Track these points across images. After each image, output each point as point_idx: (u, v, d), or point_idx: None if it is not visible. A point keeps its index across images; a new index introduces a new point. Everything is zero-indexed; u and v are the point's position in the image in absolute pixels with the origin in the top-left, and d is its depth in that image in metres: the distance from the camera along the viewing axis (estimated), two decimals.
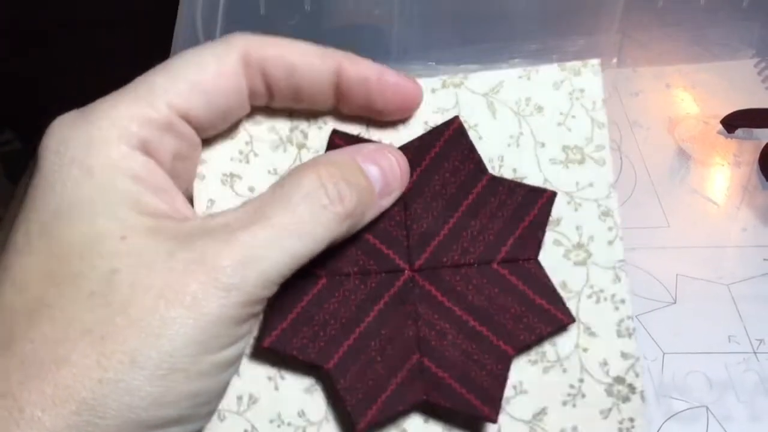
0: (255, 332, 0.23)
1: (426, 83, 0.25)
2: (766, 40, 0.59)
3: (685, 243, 0.46)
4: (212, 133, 0.24)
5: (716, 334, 0.41)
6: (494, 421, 0.22)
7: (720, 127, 0.53)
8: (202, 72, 0.22)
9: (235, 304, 0.20)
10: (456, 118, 0.25)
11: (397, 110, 0.24)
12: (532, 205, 0.24)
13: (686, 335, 0.41)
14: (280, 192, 0.21)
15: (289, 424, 0.23)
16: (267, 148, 0.25)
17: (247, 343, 0.21)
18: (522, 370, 0.23)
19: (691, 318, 0.42)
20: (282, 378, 0.24)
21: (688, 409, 0.38)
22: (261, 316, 0.23)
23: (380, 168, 0.23)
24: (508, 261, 0.24)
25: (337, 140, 0.25)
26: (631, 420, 0.23)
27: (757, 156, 0.50)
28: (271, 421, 0.23)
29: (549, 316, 0.23)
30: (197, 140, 0.23)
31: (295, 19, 0.55)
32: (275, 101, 0.24)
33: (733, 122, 0.52)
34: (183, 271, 0.19)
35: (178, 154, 0.23)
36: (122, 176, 0.20)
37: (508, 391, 0.23)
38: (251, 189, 0.25)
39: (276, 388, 0.24)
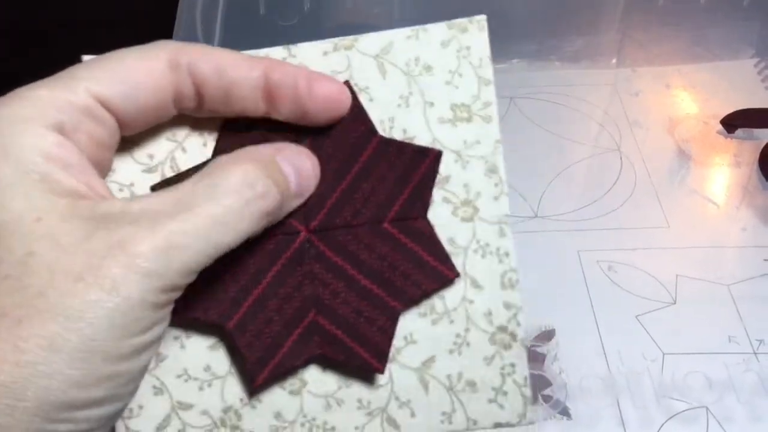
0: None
1: (318, 46, 0.25)
2: (765, 40, 0.59)
3: (684, 243, 0.47)
4: (134, 130, 0.24)
5: (716, 334, 0.41)
6: (382, 372, 0.24)
7: (720, 127, 0.53)
8: (124, 65, 0.22)
9: (155, 290, 0.20)
10: (346, 82, 0.25)
11: (325, 112, 0.24)
12: (419, 165, 0.24)
13: (686, 335, 0.41)
14: (208, 182, 0.21)
15: (195, 378, 0.24)
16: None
17: (166, 325, 0.22)
18: (412, 322, 0.24)
19: (691, 318, 0.42)
20: (188, 337, 0.25)
21: (688, 409, 0.38)
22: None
23: (296, 170, 0.24)
24: (397, 220, 0.24)
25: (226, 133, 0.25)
26: (512, 366, 0.24)
27: (757, 156, 0.50)
28: (178, 376, 0.24)
29: (435, 273, 0.24)
30: (117, 129, 0.23)
31: (295, 18, 0.55)
32: (204, 106, 0.24)
33: (732, 122, 0.52)
34: (103, 255, 0.19)
35: (98, 142, 0.23)
36: (37, 156, 0.20)
37: (399, 342, 0.24)
38: (150, 156, 0.25)
39: (182, 347, 0.25)
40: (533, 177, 0.51)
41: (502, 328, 0.24)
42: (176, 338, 0.25)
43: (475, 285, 0.25)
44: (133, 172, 0.25)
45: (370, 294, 0.24)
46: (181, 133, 0.25)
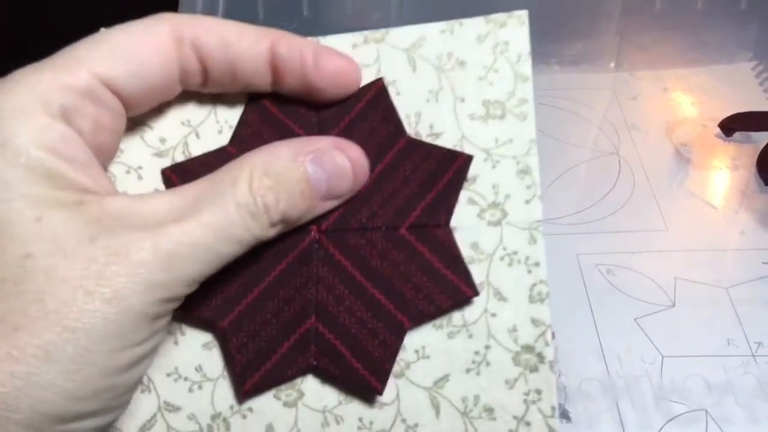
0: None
1: (347, 38, 0.24)
2: (763, 43, 0.59)
3: (683, 246, 0.47)
4: (139, 110, 0.23)
5: (715, 337, 0.41)
6: (380, 393, 0.22)
7: (718, 130, 0.53)
8: (128, 42, 0.21)
9: (156, 301, 0.19)
10: (380, 80, 0.24)
11: (333, 86, 0.23)
12: (446, 169, 0.23)
13: (685, 338, 0.41)
14: (216, 189, 0.20)
15: (186, 378, 0.23)
16: (180, 97, 0.24)
17: (163, 335, 0.21)
18: (426, 335, 0.22)
19: (689, 321, 0.42)
20: (182, 333, 0.23)
21: (687, 412, 0.38)
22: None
23: (325, 171, 0.22)
24: (416, 226, 0.23)
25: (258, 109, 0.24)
26: (538, 392, 0.22)
27: (755, 159, 0.50)
28: (168, 375, 0.23)
29: (452, 288, 0.22)
30: (122, 111, 0.22)
31: (294, 24, 0.56)
32: (210, 82, 0.23)
33: (730, 125, 0.52)
34: (104, 262, 0.18)
35: (103, 126, 0.21)
36: (39, 149, 0.19)
37: (409, 355, 0.22)
38: (162, 140, 0.24)
39: (175, 343, 0.23)
40: None
41: (528, 348, 0.22)
42: (170, 333, 0.23)
43: (499, 297, 0.22)
44: (142, 155, 0.24)
45: (378, 304, 0.22)
46: (196, 119, 0.24)
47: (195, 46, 0.22)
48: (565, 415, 0.38)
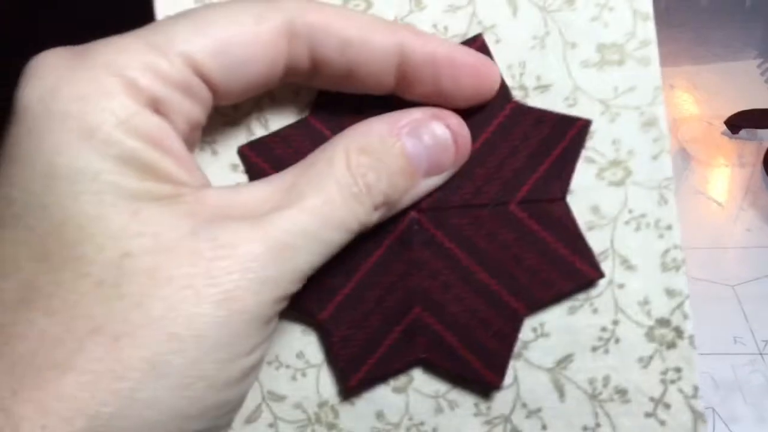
0: None
1: None
2: None
3: (689, 244, 0.46)
4: (227, 102, 0.20)
5: (722, 335, 0.41)
6: (497, 387, 0.20)
7: (723, 127, 0.53)
8: (235, 30, 0.18)
9: (270, 301, 0.17)
10: (479, 36, 0.21)
11: (470, 97, 0.20)
12: (561, 137, 0.20)
13: None
14: (312, 172, 0.18)
15: (288, 366, 0.21)
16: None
17: (270, 344, 0.18)
18: (544, 310, 0.20)
19: (696, 319, 0.42)
20: (279, 320, 0.21)
21: None
22: None
23: (424, 143, 0.19)
24: (528, 202, 0.20)
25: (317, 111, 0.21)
26: (678, 370, 0.20)
27: (761, 156, 0.50)
28: (269, 363, 0.21)
29: (573, 271, 0.20)
30: (211, 103, 0.19)
31: None
32: (319, 80, 0.20)
33: (737, 123, 0.52)
34: (211, 257, 0.16)
35: (193, 121, 0.19)
36: (132, 138, 0.16)
37: (526, 335, 0.20)
38: (234, 107, 0.22)
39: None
40: None
41: (664, 322, 0.20)
42: None
43: (627, 265, 0.20)
44: (214, 126, 0.21)
45: (488, 290, 0.20)
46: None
47: (309, 44, 0.19)
48: None
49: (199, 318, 0.16)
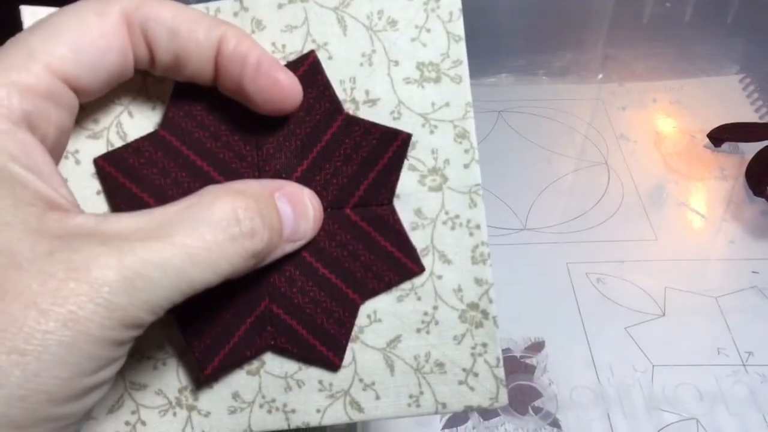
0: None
1: None
2: (750, 55, 0.60)
3: (673, 256, 0.47)
4: (91, 98, 0.21)
5: (705, 346, 0.41)
6: (338, 366, 0.23)
7: (706, 141, 0.53)
8: (84, 31, 0.19)
9: (117, 326, 0.17)
10: (312, 53, 0.23)
11: (267, 102, 0.21)
12: (386, 148, 0.23)
13: (675, 347, 0.41)
14: (190, 212, 0.19)
15: (149, 357, 0.23)
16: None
17: (122, 364, 0.19)
18: (376, 300, 0.23)
19: (680, 330, 0.42)
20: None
21: (678, 421, 0.38)
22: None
23: (294, 211, 0.21)
24: (360, 206, 0.23)
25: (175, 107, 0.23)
26: (484, 345, 0.23)
27: (743, 169, 0.50)
28: (131, 356, 0.22)
29: (399, 266, 0.23)
30: (77, 106, 0.20)
31: None
32: (156, 68, 0.21)
33: (720, 136, 0.52)
34: (63, 278, 0.16)
35: (61, 128, 0.20)
36: (2, 157, 0.17)
37: (362, 320, 0.23)
38: (95, 121, 0.23)
39: None
40: (522, 189, 0.51)
41: (473, 306, 0.23)
42: None
43: (444, 260, 0.23)
44: (78, 138, 0.23)
45: (329, 284, 0.23)
46: (128, 96, 0.23)
47: (143, 31, 0.20)
48: (556, 424, 0.38)
49: (42, 334, 0.16)
